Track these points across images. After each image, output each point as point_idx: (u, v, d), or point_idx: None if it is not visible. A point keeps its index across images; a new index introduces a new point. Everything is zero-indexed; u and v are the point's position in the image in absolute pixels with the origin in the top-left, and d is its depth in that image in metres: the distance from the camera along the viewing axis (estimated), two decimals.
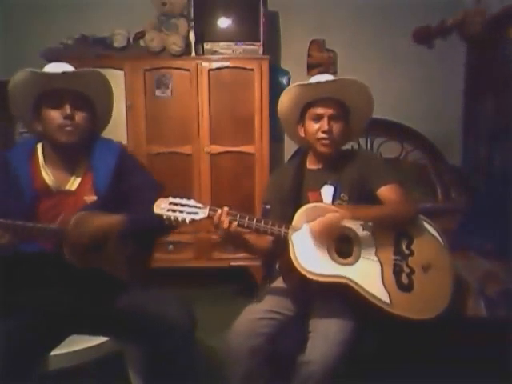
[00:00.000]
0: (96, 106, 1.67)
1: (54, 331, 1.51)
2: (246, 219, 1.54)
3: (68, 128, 1.57)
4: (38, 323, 1.45)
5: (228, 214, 1.51)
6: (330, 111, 1.70)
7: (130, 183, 1.69)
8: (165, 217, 1.48)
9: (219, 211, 1.51)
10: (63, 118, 1.56)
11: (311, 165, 1.81)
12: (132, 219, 1.57)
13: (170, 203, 1.50)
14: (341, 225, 1.57)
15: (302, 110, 1.76)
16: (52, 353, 1.49)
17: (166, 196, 1.52)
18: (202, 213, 1.50)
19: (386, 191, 1.70)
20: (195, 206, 1.51)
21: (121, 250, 1.57)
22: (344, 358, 1.49)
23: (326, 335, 1.52)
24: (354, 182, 1.73)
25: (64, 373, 1.51)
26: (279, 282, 1.80)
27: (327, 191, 1.72)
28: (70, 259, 1.47)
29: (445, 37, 1.35)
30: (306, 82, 1.73)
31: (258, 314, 1.63)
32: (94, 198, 1.62)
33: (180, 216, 1.48)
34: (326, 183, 1.73)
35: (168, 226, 1.67)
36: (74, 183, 1.63)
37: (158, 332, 1.51)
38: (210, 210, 1.51)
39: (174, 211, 1.48)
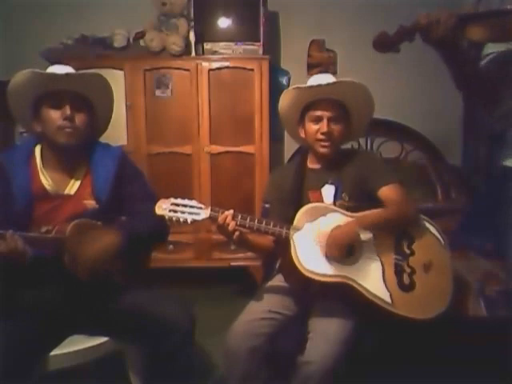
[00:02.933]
0: (96, 109, 1.67)
1: (54, 331, 1.51)
2: (248, 220, 1.55)
3: (68, 130, 1.56)
4: (38, 323, 1.45)
5: (231, 216, 1.52)
6: (329, 113, 1.70)
7: (129, 190, 1.69)
8: (167, 217, 1.49)
9: (225, 213, 1.52)
10: (63, 119, 1.56)
11: (312, 164, 1.81)
12: (128, 234, 1.56)
13: (172, 204, 1.51)
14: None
15: (302, 112, 1.76)
16: (52, 353, 1.49)
17: (168, 197, 1.53)
18: (204, 213, 1.51)
19: (386, 191, 1.70)
20: (197, 207, 1.52)
21: (118, 257, 1.56)
22: (344, 357, 1.49)
23: (325, 335, 1.52)
24: (355, 181, 1.72)
25: (64, 373, 1.51)
26: (277, 281, 1.80)
27: (328, 191, 1.72)
28: (69, 267, 1.47)
29: (409, 41, 1.35)
30: (304, 85, 1.73)
31: (258, 314, 1.63)
32: (93, 202, 1.61)
33: (181, 216, 1.49)
34: (326, 183, 1.73)
35: (164, 233, 1.68)
36: (73, 187, 1.63)
37: (157, 332, 1.51)
38: (211, 210, 1.52)
39: (175, 212, 1.49)
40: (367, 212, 1.65)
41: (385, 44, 1.36)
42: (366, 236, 1.61)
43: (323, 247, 1.56)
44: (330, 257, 1.55)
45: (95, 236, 1.52)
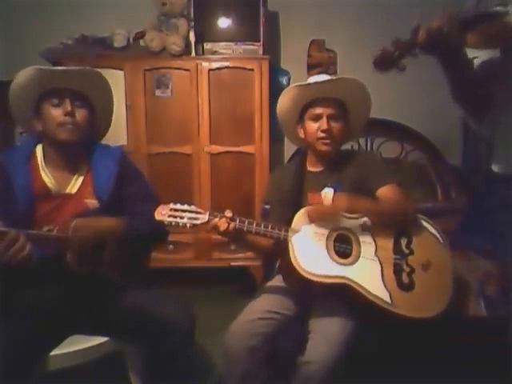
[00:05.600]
0: (96, 108, 1.67)
1: (54, 331, 1.51)
2: (246, 223, 1.55)
3: (68, 126, 1.57)
4: (38, 323, 1.45)
5: (227, 219, 1.53)
6: (328, 111, 1.71)
7: (129, 190, 1.69)
8: (166, 223, 1.52)
9: (215, 220, 1.53)
10: (64, 115, 1.57)
11: (311, 167, 1.82)
12: (130, 224, 1.57)
13: (171, 209, 1.53)
14: (339, 214, 1.59)
15: (301, 111, 1.77)
16: (52, 353, 1.49)
17: (168, 196, 1.54)
18: (202, 218, 1.53)
19: (384, 191, 1.70)
20: (195, 212, 1.53)
21: (119, 254, 1.57)
22: (344, 358, 1.49)
23: (326, 335, 1.52)
24: (354, 183, 1.72)
25: (64, 373, 1.51)
26: (276, 281, 1.81)
27: (327, 193, 1.72)
28: (71, 265, 1.47)
29: (412, 55, 1.35)
30: (304, 83, 1.74)
31: (257, 314, 1.63)
32: (95, 201, 1.62)
33: (181, 222, 1.52)
34: (326, 185, 1.73)
35: (164, 233, 1.69)
36: (74, 186, 1.63)
37: (157, 332, 1.51)
38: (209, 214, 1.54)
39: (174, 217, 1.52)
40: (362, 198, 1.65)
41: (387, 62, 1.35)
42: (363, 235, 1.61)
43: (321, 247, 1.57)
44: (311, 219, 1.57)
45: (95, 223, 1.53)
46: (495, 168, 1.51)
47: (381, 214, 1.63)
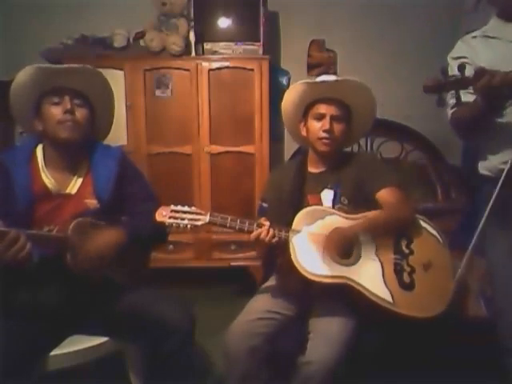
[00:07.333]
0: (96, 108, 1.67)
1: (54, 331, 1.51)
2: (247, 224, 1.56)
3: (68, 123, 1.57)
4: (39, 324, 1.45)
5: (269, 229, 1.54)
6: (332, 111, 1.71)
7: (129, 191, 1.69)
8: (167, 224, 1.53)
9: (258, 230, 1.54)
10: (63, 113, 1.57)
11: (312, 168, 1.82)
12: (131, 232, 1.57)
13: (172, 211, 1.53)
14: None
15: (306, 109, 1.77)
16: (52, 353, 1.49)
17: (168, 196, 1.55)
18: (203, 219, 1.54)
19: (384, 194, 1.70)
20: (196, 213, 1.54)
21: (119, 255, 1.57)
22: (345, 358, 1.49)
23: (326, 335, 1.52)
24: (354, 185, 1.73)
25: (64, 373, 1.51)
26: (274, 281, 1.80)
27: (327, 195, 1.73)
28: (71, 266, 1.47)
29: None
30: (312, 80, 1.75)
31: (257, 314, 1.63)
32: (95, 201, 1.62)
33: (181, 223, 1.52)
34: (326, 187, 1.73)
35: (164, 234, 1.69)
36: (74, 186, 1.63)
37: (157, 332, 1.51)
38: (210, 215, 1.54)
39: (175, 218, 1.52)
40: (367, 215, 1.65)
41: (437, 89, 1.40)
42: (364, 237, 1.61)
43: (322, 249, 1.57)
44: (326, 254, 1.55)
45: (97, 234, 1.53)
46: (482, 170, 1.54)
47: (386, 225, 1.64)
